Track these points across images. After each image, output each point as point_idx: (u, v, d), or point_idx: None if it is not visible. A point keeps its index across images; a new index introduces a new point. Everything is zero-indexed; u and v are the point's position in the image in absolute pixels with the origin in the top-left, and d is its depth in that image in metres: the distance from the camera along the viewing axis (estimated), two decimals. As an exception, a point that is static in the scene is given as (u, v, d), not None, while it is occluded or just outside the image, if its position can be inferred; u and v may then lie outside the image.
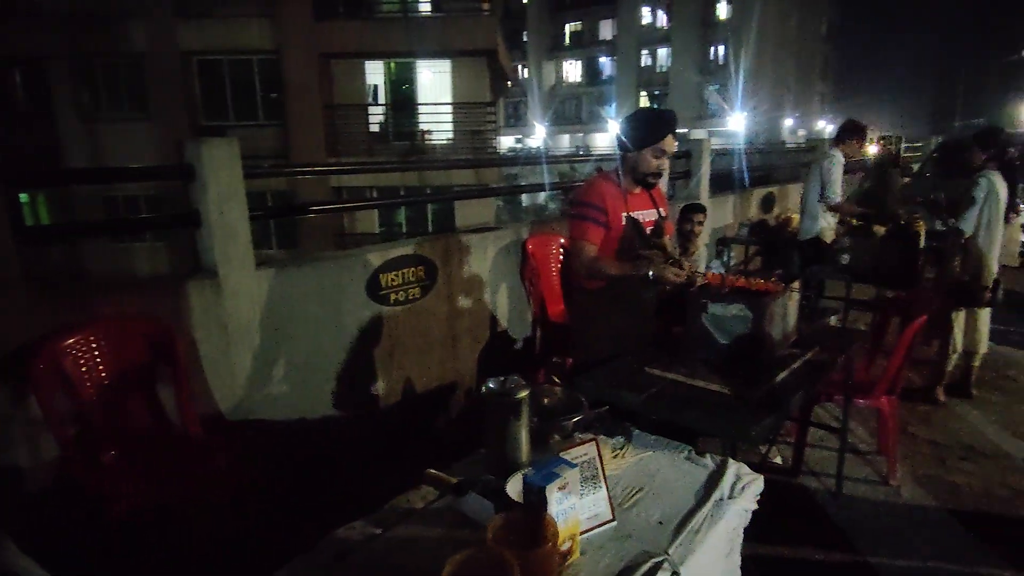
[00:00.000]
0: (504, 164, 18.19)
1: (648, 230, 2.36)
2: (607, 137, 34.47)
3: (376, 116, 14.41)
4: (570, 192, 2.34)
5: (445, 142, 14.22)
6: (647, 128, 2.25)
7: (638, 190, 2.37)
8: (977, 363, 3.78)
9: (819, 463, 2.99)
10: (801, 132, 37.35)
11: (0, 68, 13.01)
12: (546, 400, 1.70)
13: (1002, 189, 3.46)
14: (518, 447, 1.43)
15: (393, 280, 3.03)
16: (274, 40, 12.64)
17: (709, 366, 1.94)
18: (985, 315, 3.72)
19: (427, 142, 14.39)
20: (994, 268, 3.57)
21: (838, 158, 4.03)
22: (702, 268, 4.01)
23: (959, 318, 3.63)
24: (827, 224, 4.29)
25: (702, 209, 3.84)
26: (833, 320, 5.17)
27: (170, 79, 12.57)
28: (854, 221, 4.21)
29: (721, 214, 5.86)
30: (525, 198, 23.58)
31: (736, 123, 35.30)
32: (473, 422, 1.50)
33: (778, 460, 3.00)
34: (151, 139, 12.89)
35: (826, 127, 40.71)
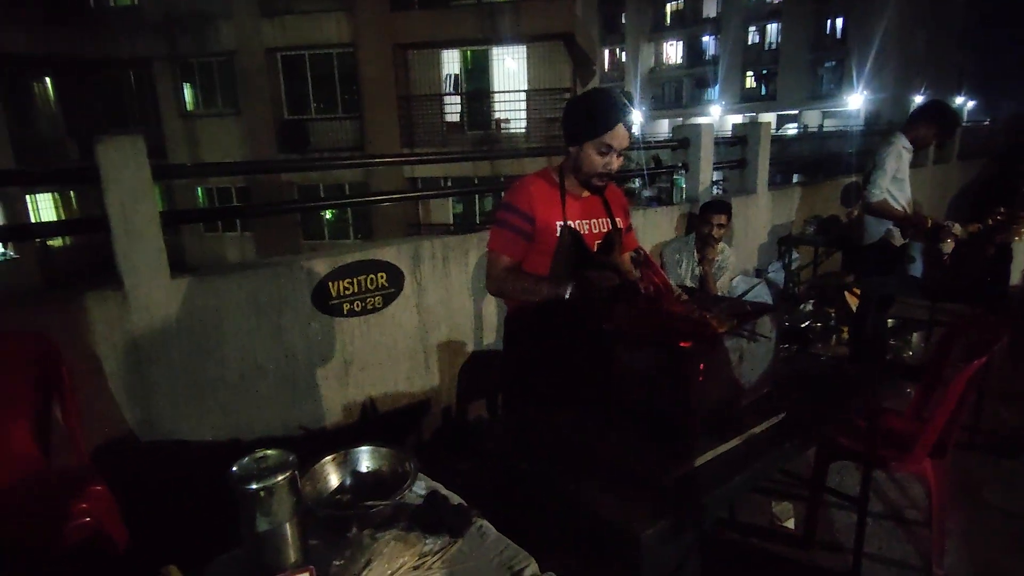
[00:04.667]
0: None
1: (596, 244, 1.91)
2: (707, 121, 32.54)
3: (455, 105, 14.32)
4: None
5: (521, 131, 13.87)
6: (589, 117, 1.79)
7: (586, 194, 1.91)
8: None
9: (845, 531, 2.38)
10: (934, 110, 33.27)
11: (114, 71, 14.22)
12: (366, 467, 1.33)
13: None
14: (277, 549, 1.08)
15: (347, 289, 2.75)
16: (351, 33, 12.84)
17: (632, 426, 1.49)
18: None
19: (503, 130, 14.11)
20: None
21: (899, 144, 3.20)
22: (725, 279, 3.41)
23: None
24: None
25: (724, 208, 3.22)
26: (915, 338, 4.34)
27: (256, 75, 13.15)
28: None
29: (784, 208, 5.08)
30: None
31: (855, 102, 32.14)
32: (451, 442, 1.21)
33: (789, 524, 2.42)
34: (242, 133, 13.63)
35: (965, 103, 36.12)
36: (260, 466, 1.07)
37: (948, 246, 3.20)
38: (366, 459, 1.34)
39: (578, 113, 1.83)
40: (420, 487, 1.34)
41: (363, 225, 14.29)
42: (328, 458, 1.32)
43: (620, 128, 1.76)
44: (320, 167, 8.40)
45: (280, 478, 1.05)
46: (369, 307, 2.82)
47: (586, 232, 1.87)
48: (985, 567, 2.17)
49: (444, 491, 1.31)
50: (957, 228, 3.15)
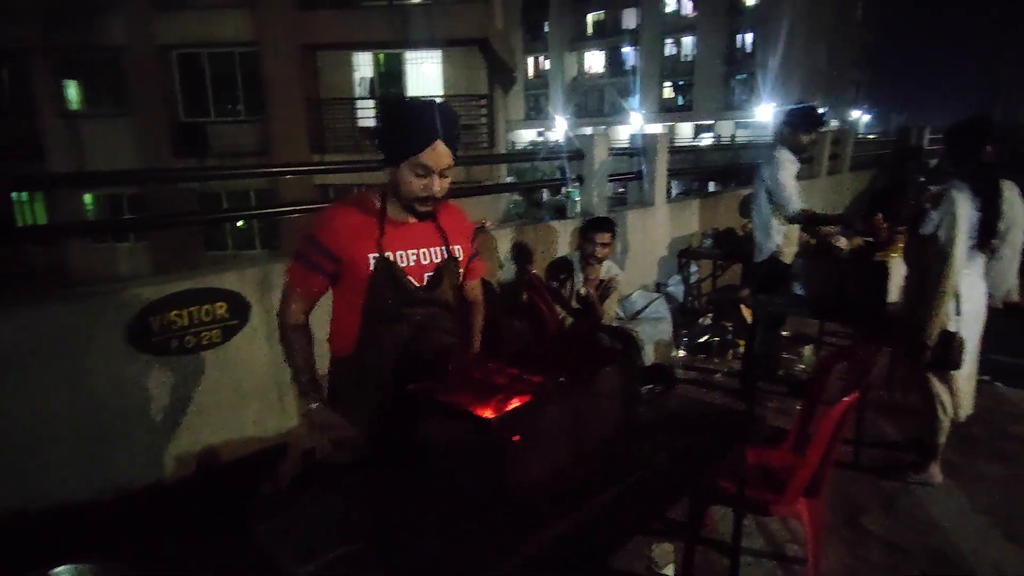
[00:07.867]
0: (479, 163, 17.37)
1: (426, 276, 1.64)
2: (629, 130, 33.30)
3: (368, 110, 13.81)
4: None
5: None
6: (400, 133, 1.52)
7: (412, 220, 1.64)
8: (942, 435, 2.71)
9: (725, 573, 2.22)
10: (834, 122, 35.59)
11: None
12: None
13: (965, 206, 2.39)
14: None
15: (174, 322, 2.36)
16: (253, 31, 12.12)
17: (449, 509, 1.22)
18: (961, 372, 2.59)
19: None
20: (944, 319, 2.43)
21: (785, 158, 3.17)
22: (612, 301, 3.24)
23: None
24: (786, 240, 3.45)
25: (608, 226, 3.04)
26: (807, 351, 4.35)
27: (148, 73, 12.17)
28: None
29: (685, 221, 5.04)
30: (543, 193, 22.17)
31: (764, 114, 33.80)
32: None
33: (668, 570, 2.24)
34: (133, 134, 12.57)
35: (861, 117, 38.82)
36: None
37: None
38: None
39: (388, 129, 1.56)
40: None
41: (271, 234, 13.51)
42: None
43: (439, 146, 1.49)
44: (211, 176, 7.71)
45: None
46: (205, 343, 2.44)
47: (412, 264, 1.61)
48: (863, 610, 2.06)
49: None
50: (843, 242, 3.12)
